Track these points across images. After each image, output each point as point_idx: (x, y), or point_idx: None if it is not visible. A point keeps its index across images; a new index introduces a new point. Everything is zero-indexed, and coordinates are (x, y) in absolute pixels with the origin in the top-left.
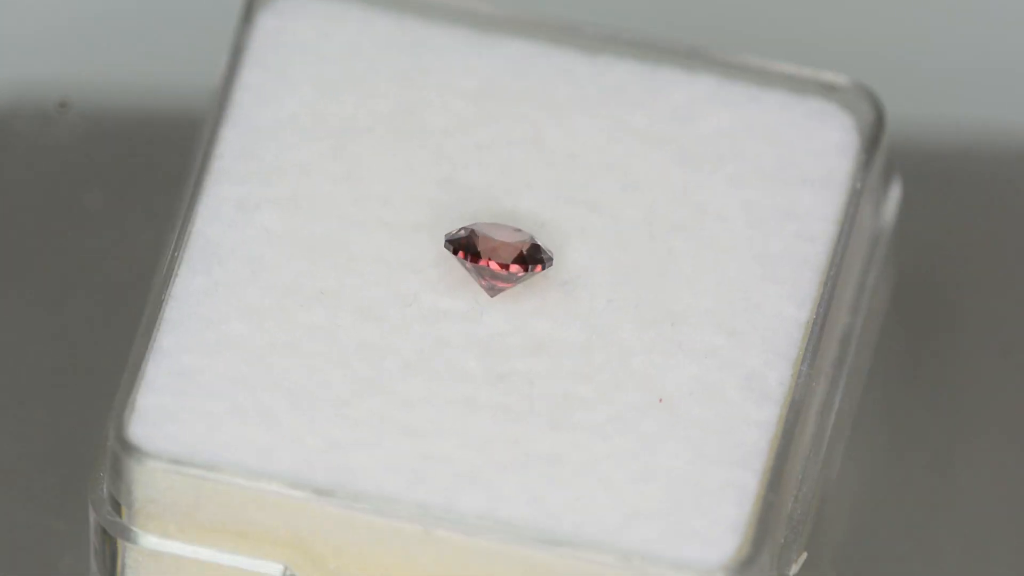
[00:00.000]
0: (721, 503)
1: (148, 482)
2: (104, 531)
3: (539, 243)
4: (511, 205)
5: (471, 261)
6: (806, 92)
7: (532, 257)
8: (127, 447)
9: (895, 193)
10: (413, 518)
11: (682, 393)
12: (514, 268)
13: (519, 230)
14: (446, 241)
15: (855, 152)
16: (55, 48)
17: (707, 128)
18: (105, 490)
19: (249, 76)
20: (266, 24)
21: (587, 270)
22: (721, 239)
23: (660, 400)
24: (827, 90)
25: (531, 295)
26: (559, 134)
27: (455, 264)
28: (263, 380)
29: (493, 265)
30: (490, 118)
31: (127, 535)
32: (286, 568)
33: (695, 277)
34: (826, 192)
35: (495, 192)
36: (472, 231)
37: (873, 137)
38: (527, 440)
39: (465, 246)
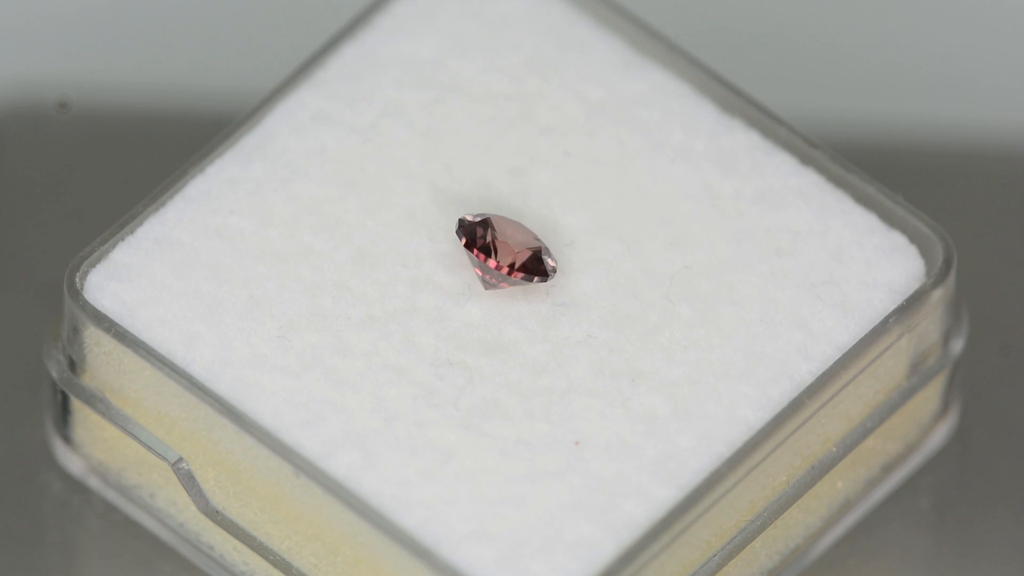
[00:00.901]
0: (568, 555)
1: (88, 336)
2: (53, 382)
3: (545, 256)
4: (555, 218)
5: (475, 251)
6: (888, 220)
7: (532, 267)
8: (76, 294)
9: (956, 348)
10: (286, 457)
11: (598, 445)
12: (509, 271)
13: (535, 237)
14: (458, 223)
15: (902, 290)
16: (55, 48)
17: (782, 217)
18: (62, 344)
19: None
20: None
21: (586, 300)
22: (726, 323)
23: (576, 442)
24: (904, 226)
25: (520, 302)
26: (643, 171)
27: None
28: (230, 279)
29: (491, 262)
30: (588, 131)
31: (70, 385)
32: (181, 459)
33: (680, 348)
34: (849, 321)
35: (549, 198)
36: (488, 223)
37: (931, 283)
38: (430, 426)
39: (474, 234)
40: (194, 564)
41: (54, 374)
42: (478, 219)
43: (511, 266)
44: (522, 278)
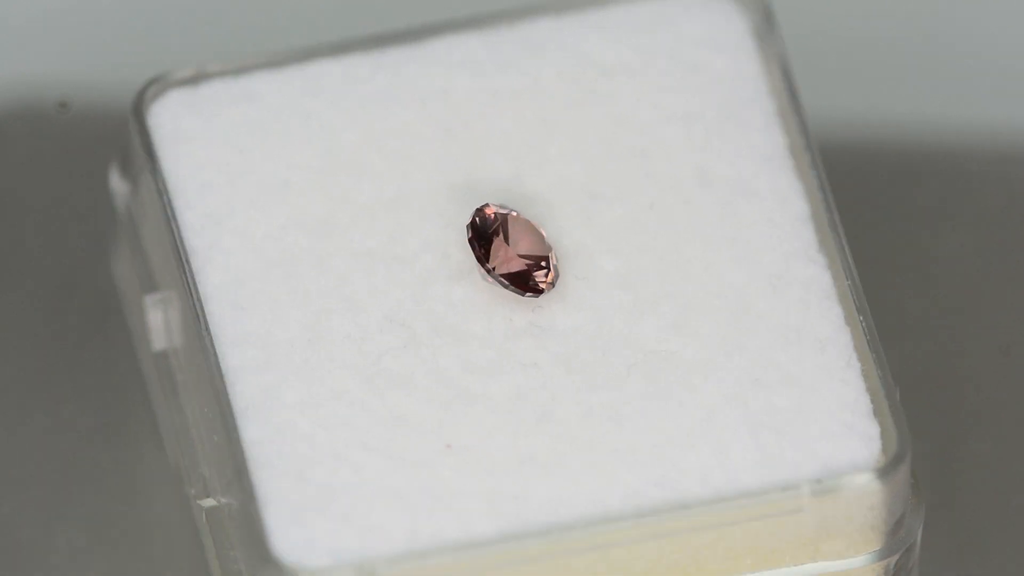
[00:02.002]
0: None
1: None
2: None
3: (542, 272)
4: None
5: (477, 246)
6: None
7: (522, 281)
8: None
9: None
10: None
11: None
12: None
13: (546, 247)
14: (475, 212)
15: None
16: (55, 48)
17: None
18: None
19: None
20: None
21: (558, 330)
22: (669, 411)
23: (448, 445)
24: None
25: (503, 304)
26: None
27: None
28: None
29: (495, 270)
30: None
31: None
32: None
33: (599, 418)
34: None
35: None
36: (505, 221)
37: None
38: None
39: (485, 228)
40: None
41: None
42: (499, 212)
43: (503, 273)
44: (510, 288)
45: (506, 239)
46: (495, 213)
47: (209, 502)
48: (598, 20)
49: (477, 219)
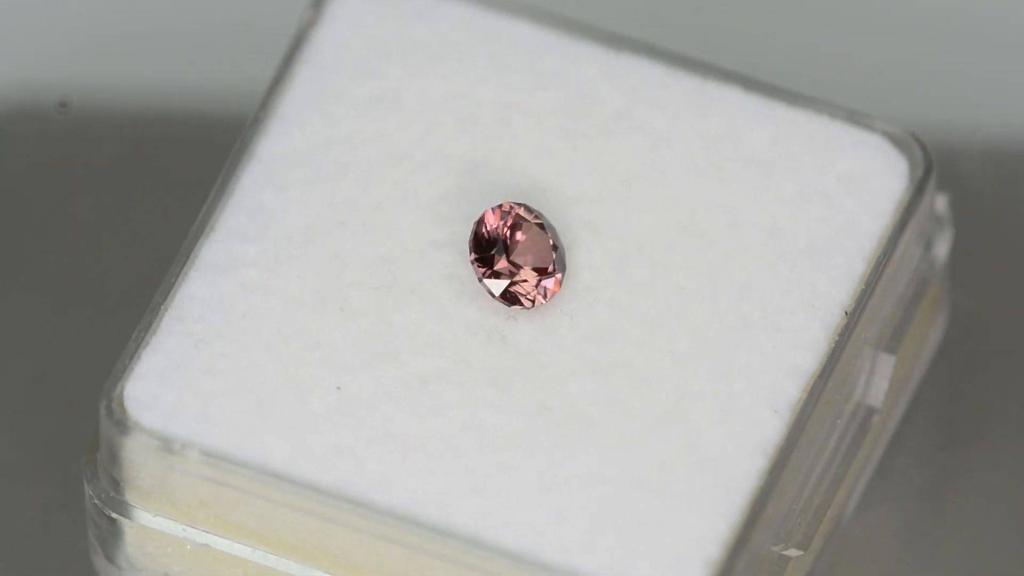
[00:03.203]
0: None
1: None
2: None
3: (534, 287)
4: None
5: (473, 254)
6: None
7: (510, 295)
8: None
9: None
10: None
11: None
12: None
13: (548, 257)
14: (483, 216)
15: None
16: (55, 48)
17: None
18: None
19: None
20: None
21: (525, 346)
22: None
23: (338, 388)
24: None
25: (490, 308)
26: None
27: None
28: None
29: (480, 268)
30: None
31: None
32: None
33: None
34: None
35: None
36: (513, 228)
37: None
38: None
39: (485, 236)
40: None
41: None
42: (508, 215)
43: (504, 294)
44: (495, 298)
45: (507, 248)
46: (511, 214)
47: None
48: (766, 112)
49: (484, 221)
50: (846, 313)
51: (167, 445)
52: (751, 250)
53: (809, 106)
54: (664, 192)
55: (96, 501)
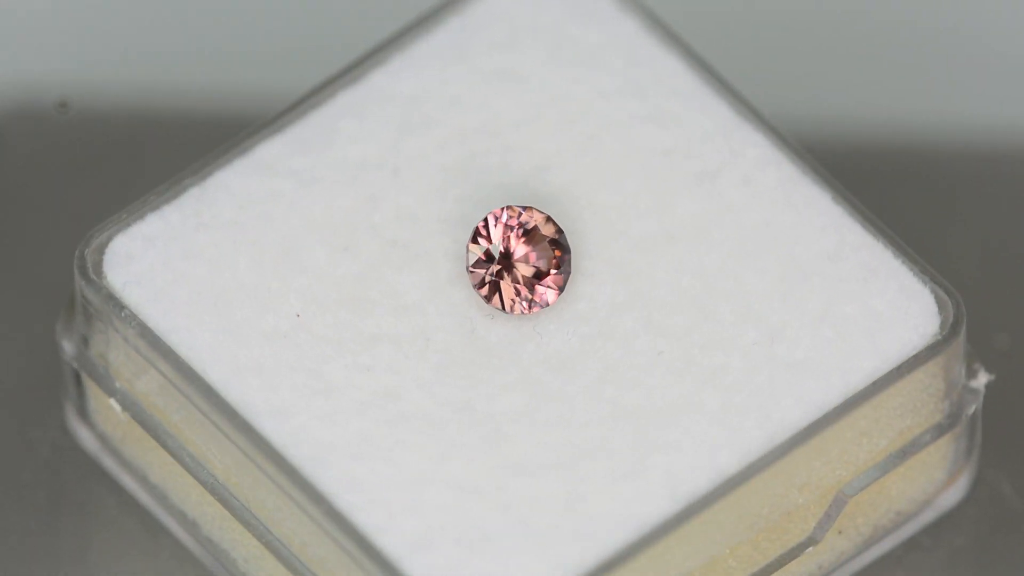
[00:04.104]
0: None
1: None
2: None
3: (527, 293)
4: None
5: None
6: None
7: (494, 293)
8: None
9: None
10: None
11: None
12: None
13: (545, 262)
14: (485, 221)
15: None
16: (55, 48)
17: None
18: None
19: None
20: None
21: (510, 348)
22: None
23: (298, 315)
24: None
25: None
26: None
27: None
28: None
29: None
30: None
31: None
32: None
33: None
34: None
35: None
36: (515, 236)
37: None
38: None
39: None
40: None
41: (67, 351)
42: (513, 222)
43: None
44: (483, 294)
45: (508, 253)
46: (506, 220)
47: None
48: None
49: (486, 224)
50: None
51: (116, 306)
52: (743, 340)
53: (880, 236)
54: (696, 258)
55: (65, 355)
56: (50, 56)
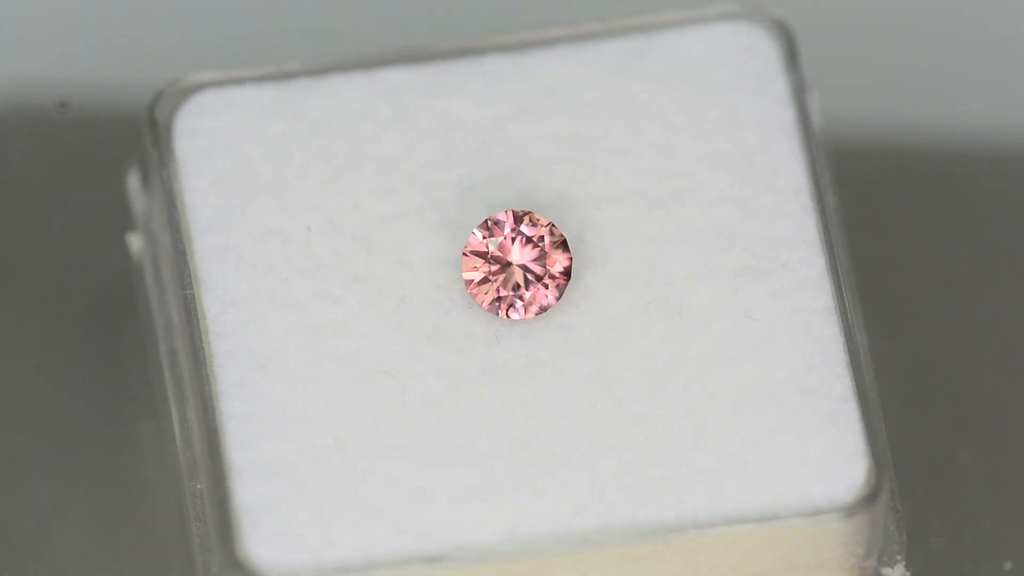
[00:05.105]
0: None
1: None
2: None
3: (512, 298)
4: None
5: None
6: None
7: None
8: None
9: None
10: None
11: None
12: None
13: (538, 265)
14: (482, 225)
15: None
16: (55, 48)
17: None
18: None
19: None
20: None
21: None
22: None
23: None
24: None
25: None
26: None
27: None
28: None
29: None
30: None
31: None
32: None
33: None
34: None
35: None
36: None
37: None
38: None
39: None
40: None
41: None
42: (512, 225)
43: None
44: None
45: (504, 255)
46: (503, 226)
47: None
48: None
49: (485, 227)
50: None
51: (166, 151)
52: (674, 424)
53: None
54: (682, 336)
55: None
56: (50, 56)
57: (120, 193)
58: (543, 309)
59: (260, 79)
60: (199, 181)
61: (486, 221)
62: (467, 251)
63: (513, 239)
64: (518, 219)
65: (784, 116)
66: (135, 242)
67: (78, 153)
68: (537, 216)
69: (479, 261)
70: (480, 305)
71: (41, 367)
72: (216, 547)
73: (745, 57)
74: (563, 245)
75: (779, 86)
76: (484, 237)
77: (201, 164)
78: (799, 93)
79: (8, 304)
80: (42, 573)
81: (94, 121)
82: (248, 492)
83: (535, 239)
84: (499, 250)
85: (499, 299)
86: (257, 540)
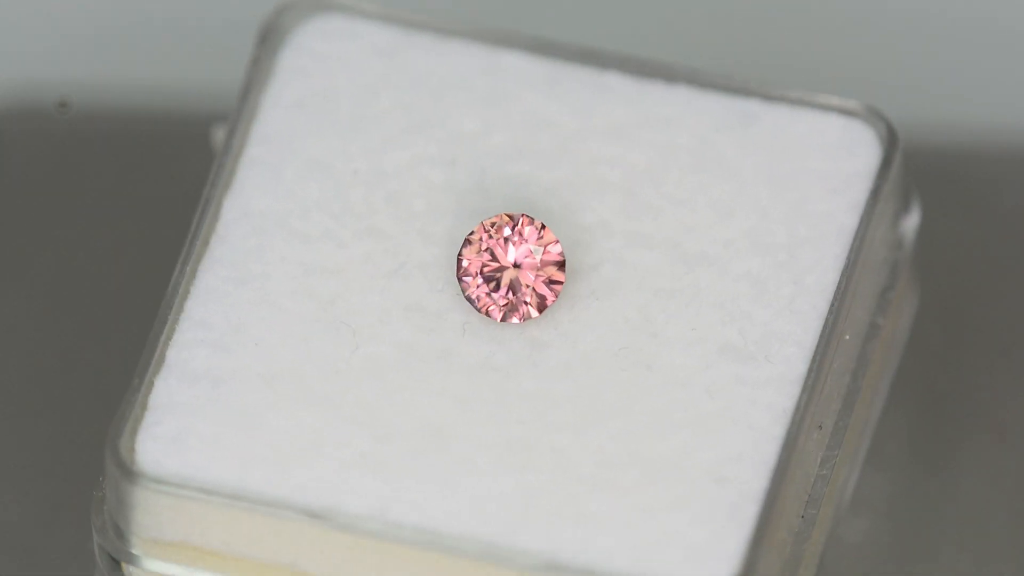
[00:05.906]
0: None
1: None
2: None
3: (501, 299)
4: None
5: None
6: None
7: (480, 305)
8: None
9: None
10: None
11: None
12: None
13: (531, 267)
14: (480, 228)
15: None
16: (55, 48)
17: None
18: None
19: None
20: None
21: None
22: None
23: None
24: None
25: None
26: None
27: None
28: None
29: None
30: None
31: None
32: None
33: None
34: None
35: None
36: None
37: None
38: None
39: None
40: None
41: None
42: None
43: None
44: (464, 298)
45: (496, 256)
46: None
47: None
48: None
49: (482, 229)
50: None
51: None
52: (608, 447)
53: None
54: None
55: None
56: (50, 56)
57: (120, 193)
58: (523, 318)
59: (388, 19)
60: (283, 95)
61: (499, 219)
62: (470, 237)
63: (517, 244)
64: (533, 226)
65: (847, 221)
66: (218, 135)
67: (78, 153)
68: (552, 237)
69: (481, 256)
70: (463, 291)
71: (40, 366)
72: (110, 435)
73: (842, 154)
74: (561, 265)
75: (858, 192)
76: (488, 235)
77: (293, 81)
78: (883, 202)
79: (7, 303)
80: (42, 573)
81: (94, 121)
82: (164, 392)
83: (537, 249)
84: (500, 249)
85: (484, 295)
86: (146, 437)
